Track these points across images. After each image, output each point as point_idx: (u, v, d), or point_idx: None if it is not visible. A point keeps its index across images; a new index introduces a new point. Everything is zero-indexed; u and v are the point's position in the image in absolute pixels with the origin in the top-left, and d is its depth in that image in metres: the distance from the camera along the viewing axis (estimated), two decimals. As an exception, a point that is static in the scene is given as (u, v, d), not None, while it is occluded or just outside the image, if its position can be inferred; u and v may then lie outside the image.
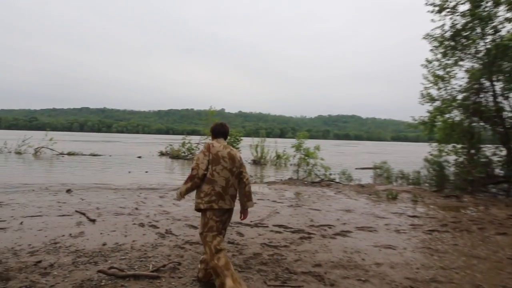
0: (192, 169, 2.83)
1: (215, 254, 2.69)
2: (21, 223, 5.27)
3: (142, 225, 5.47)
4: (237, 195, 2.97)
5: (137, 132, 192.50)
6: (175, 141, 31.82)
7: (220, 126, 3.13)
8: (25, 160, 17.94)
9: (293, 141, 16.03)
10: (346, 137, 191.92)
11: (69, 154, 21.53)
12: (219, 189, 2.76)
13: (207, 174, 2.78)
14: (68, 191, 8.45)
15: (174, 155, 22.47)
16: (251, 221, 5.93)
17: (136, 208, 6.74)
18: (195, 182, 2.79)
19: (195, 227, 5.42)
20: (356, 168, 18.35)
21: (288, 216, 6.48)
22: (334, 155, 32.83)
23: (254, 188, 10.19)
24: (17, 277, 3.30)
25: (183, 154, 22.74)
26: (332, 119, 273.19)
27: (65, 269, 3.53)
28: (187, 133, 28.91)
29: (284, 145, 22.28)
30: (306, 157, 15.16)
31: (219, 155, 2.83)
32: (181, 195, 2.93)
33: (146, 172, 13.72)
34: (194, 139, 24.66)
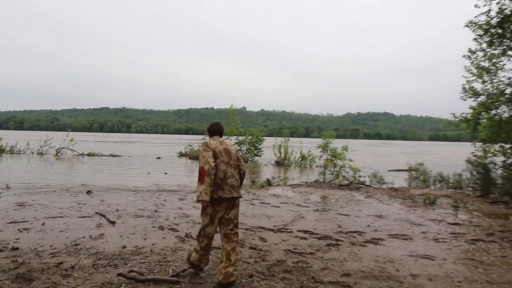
0: (204, 165, 3.15)
1: (201, 236, 3.38)
2: (43, 224, 5.58)
3: (161, 228, 5.61)
4: (239, 184, 3.40)
5: (156, 132, 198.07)
6: (194, 141, 32.38)
7: (215, 125, 3.60)
8: (47, 161, 18.99)
9: (319, 141, 15.89)
10: (377, 136, 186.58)
11: (89, 155, 22.55)
12: (218, 180, 3.20)
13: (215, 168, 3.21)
14: (88, 192, 8.84)
15: (194, 156, 22.85)
16: (274, 226, 5.91)
17: (156, 211, 6.92)
18: (210, 174, 3.10)
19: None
20: (389, 170, 17.83)
21: (314, 221, 6.41)
22: (365, 156, 32.07)
23: (277, 190, 10.19)
24: (39, 278, 3.49)
25: (203, 154, 22.98)
26: (362, 117, 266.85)
27: (85, 271, 3.69)
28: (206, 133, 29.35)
29: (309, 145, 22.07)
30: (333, 158, 14.95)
31: (216, 151, 3.29)
32: (206, 194, 3.11)
33: (166, 173, 14.07)
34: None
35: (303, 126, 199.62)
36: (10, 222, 5.61)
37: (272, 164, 20.04)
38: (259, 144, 22.65)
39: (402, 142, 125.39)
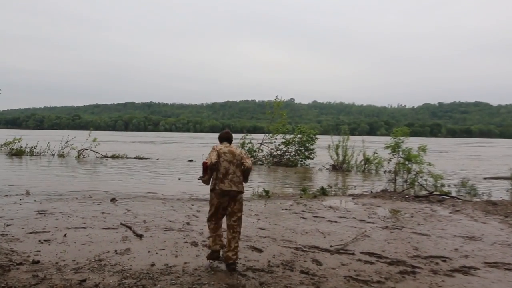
0: (207, 160, 4.64)
1: (209, 220, 4.88)
2: (65, 235, 6.04)
3: (195, 244, 5.78)
4: (240, 180, 4.80)
5: (188, 130, 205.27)
6: (235, 140, 33.00)
7: (225, 133, 5.16)
8: (68, 164, 20.59)
9: (388, 139, 15.41)
10: (467, 133, 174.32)
11: (113, 157, 24.07)
12: (220, 175, 4.68)
13: (216, 165, 4.68)
14: (113, 200, 9.42)
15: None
16: (331, 246, 5.81)
17: (188, 223, 7.16)
18: (211, 168, 4.63)
19: (259, 250, 5.52)
20: (485, 178, 16.66)
21: (382, 242, 6.18)
22: (452, 158, 30.26)
23: (334, 201, 10.02)
24: (61, 296, 3.77)
25: (242, 157, 23.33)
26: (444, 108, 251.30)
27: (110, 291, 3.91)
28: (247, 130, 29.85)
29: (374, 145, 21.38)
30: (407, 162, 14.41)
31: (221, 152, 4.79)
32: (206, 183, 4.80)
33: (199, 179, 14.50)
34: (256, 138, 25.28)
35: (366, 121, 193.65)
36: (31, 232, 6.15)
37: (327, 169, 19.76)
38: (311, 144, 22.47)
39: (502, 140, 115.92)
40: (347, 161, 19.64)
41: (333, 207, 9.32)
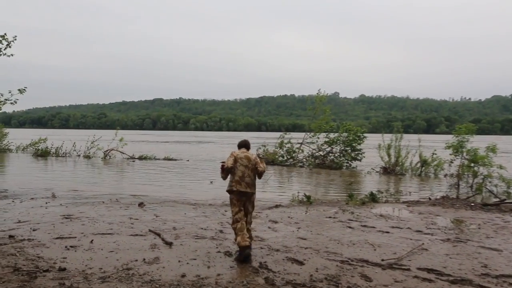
0: (226, 163, 5.80)
1: (235, 222, 5.70)
2: (92, 241, 6.31)
3: (229, 254, 5.85)
4: (254, 183, 5.92)
5: (220, 129, 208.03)
6: (270, 140, 33.06)
7: (243, 141, 6.36)
8: (94, 165, 21.51)
9: (449, 138, 14.91)
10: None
11: (140, 158, 24.91)
12: (237, 178, 5.77)
13: (233, 169, 5.79)
14: (141, 204, 9.73)
15: (269, 160, 23.35)
16: (382, 260, 5.68)
17: (221, 231, 7.26)
18: (227, 170, 5.80)
19: (300, 263, 5.50)
20: None
21: (443, 256, 5.96)
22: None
23: (385, 209, 9.83)
24: (88, 306, 3.94)
25: (281, 158, 23.45)
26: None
27: (139, 303, 4.04)
28: (285, 129, 29.79)
29: (433, 145, 20.69)
30: (473, 164, 13.86)
31: (238, 157, 5.91)
32: (223, 179, 5.97)
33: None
34: (296, 137, 25.20)
35: (422, 117, 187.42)
36: (57, 238, 6.49)
37: (377, 172, 19.35)
38: (358, 144, 22.11)
39: None
40: (400, 163, 19.13)
41: (385, 215, 9.11)
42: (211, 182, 14.93)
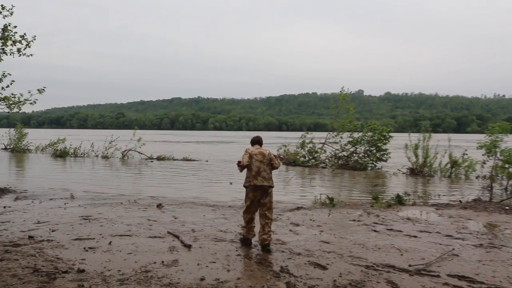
0: (241, 160, 6.34)
1: (245, 213, 6.40)
2: (110, 243, 6.44)
3: (249, 257, 5.88)
4: (270, 177, 6.38)
5: (240, 129, 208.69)
6: (291, 139, 33.00)
7: (255, 137, 6.83)
8: (112, 165, 21.91)
9: (481, 137, 14.60)
10: None
11: (158, 158, 25.24)
12: (253, 173, 6.25)
13: (249, 165, 6.31)
14: (159, 206, 9.87)
15: (290, 160, 23.33)
16: (409, 265, 5.60)
17: (241, 233, 7.27)
18: (242, 166, 6.30)
19: (322, 267, 5.48)
20: None
21: (475, 263, 5.84)
22: None
23: (412, 212, 9.72)
24: (107, 308, 4.03)
25: (302, 159, 23.39)
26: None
27: (157, 306, 4.10)
28: (307, 128, 29.71)
29: (464, 145, 20.27)
30: (507, 165, 13.55)
31: (252, 153, 6.39)
32: (240, 172, 6.51)
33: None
34: (318, 136, 25.08)
35: (452, 116, 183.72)
36: (76, 239, 6.64)
37: (404, 173, 19.08)
38: (384, 144, 21.86)
39: None
40: (428, 164, 18.81)
41: (412, 218, 8.99)
42: (231, 183, 15.00)
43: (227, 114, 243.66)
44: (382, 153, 21.88)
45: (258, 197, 6.29)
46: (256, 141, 6.77)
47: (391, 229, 7.86)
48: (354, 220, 8.69)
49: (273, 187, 6.40)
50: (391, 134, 22.31)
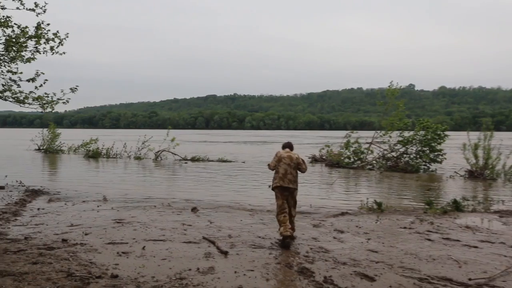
0: (270, 164, 7.52)
1: (279, 214, 7.13)
2: (144, 248, 6.61)
3: (289, 266, 5.86)
4: (295, 180, 7.34)
5: (279, 128, 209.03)
6: (334, 139, 32.64)
7: (287, 143, 7.86)
8: (145, 167, 22.47)
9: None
10: None
11: (193, 159, 25.65)
12: (281, 175, 7.18)
13: (277, 167, 7.33)
14: (194, 209, 10.03)
15: (334, 162, 23.09)
16: (469, 279, 5.41)
17: (279, 239, 7.27)
18: (270, 168, 7.44)
19: (370, 278, 5.39)
20: None
21: (546, 278, 5.55)
22: None
23: (472, 219, 9.44)
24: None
25: (347, 160, 23.11)
26: None
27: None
28: (352, 127, 29.32)
29: (531, 144, 19.31)
30: None
31: (281, 157, 7.36)
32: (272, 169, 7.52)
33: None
34: (364, 136, 24.68)
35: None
36: (109, 243, 6.87)
37: (461, 176, 18.47)
38: (438, 144, 21.23)
39: None
40: (490, 166, 18.09)
41: (471, 227, 8.68)
42: (269, 186, 14.99)
43: (265, 112, 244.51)
44: (436, 153, 21.25)
45: (286, 196, 7.29)
46: (287, 146, 7.83)
47: (447, 238, 7.63)
48: (405, 228, 8.51)
49: (297, 189, 7.42)
50: (446, 132, 21.62)
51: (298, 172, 7.50)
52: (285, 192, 7.25)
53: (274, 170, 7.43)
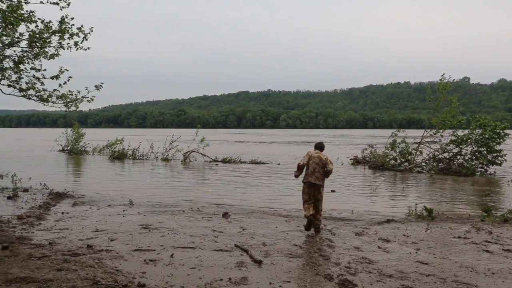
0: (300, 162, 8.91)
1: (304, 204, 8.77)
2: (172, 255, 6.70)
3: (329, 277, 5.81)
4: (322, 177, 8.74)
5: (317, 126, 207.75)
6: (378, 138, 32.15)
7: (318, 143, 9.27)
8: (173, 169, 22.81)
9: None
10: None
11: (224, 161, 25.83)
12: (309, 172, 8.72)
13: (307, 165, 8.85)
14: (225, 215, 10.10)
15: (378, 163, 22.76)
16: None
17: (319, 249, 7.27)
18: (300, 167, 8.82)
19: (419, 293, 5.27)
20: None
21: None
22: None
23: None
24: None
25: (392, 162, 22.76)
26: None
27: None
28: (398, 125, 28.91)
29: None
30: None
31: (311, 156, 8.85)
32: (296, 177, 8.91)
33: (333, 191, 14.56)
34: (412, 135, 24.23)
35: None
36: (135, 250, 7.00)
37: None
38: (498, 144, 20.61)
39: None
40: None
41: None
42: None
43: (302, 109, 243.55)
44: (495, 154, 20.67)
45: (312, 192, 8.71)
46: (318, 147, 9.20)
47: (508, 250, 7.40)
48: (459, 237, 8.29)
49: (323, 186, 8.83)
50: (506, 131, 20.97)
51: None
52: (312, 188, 8.69)
53: (304, 167, 8.82)
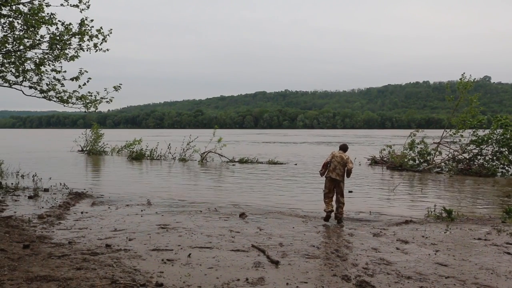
0: (325, 160, 10.37)
1: (324, 199, 10.11)
2: (189, 255, 6.75)
3: (347, 278, 5.79)
4: (342, 174, 10.07)
5: (334, 126, 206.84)
6: (397, 139, 31.89)
7: (342, 145, 10.64)
8: (190, 169, 22.94)
9: None
10: None
11: (241, 161, 25.91)
12: (331, 168, 10.10)
13: (330, 163, 10.26)
14: (242, 215, 10.14)
15: (396, 164, 22.57)
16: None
17: (337, 250, 7.24)
18: (324, 165, 10.27)
19: (438, 295, 5.22)
20: None
21: None
22: None
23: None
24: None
25: (411, 162, 22.56)
26: None
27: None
28: (417, 125, 28.64)
29: None
30: None
31: (334, 155, 10.26)
32: (321, 176, 10.42)
33: (350, 192, 14.48)
34: (431, 135, 23.96)
35: None
36: (153, 249, 7.07)
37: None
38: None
39: None
40: None
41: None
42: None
43: (319, 109, 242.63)
44: (517, 155, 20.30)
45: (332, 187, 9.96)
46: (342, 148, 10.43)
47: (529, 252, 7.26)
48: (479, 239, 8.19)
49: (343, 182, 9.98)
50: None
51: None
52: (333, 182, 9.94)
53: (327, 165, 10.07)
